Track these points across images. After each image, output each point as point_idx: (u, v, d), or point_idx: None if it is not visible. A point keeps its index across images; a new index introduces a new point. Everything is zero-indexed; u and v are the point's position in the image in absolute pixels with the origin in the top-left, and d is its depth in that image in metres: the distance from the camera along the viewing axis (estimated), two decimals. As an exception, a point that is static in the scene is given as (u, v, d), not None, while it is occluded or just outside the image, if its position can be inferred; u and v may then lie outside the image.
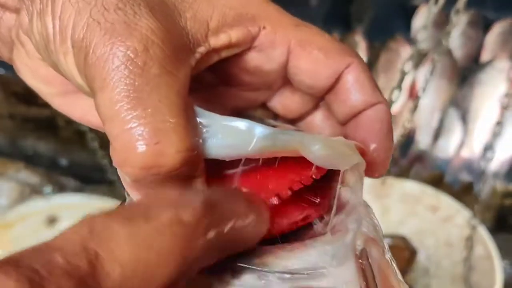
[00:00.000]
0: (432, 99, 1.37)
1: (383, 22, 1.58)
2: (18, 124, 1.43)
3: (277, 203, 0.27)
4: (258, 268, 0.25)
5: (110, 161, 0.26)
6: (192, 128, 0.25)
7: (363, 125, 0.30)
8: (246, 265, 0.25)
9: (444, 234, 1.16)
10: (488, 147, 1.03)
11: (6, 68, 1.32)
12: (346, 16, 1.59)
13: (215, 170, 0.28)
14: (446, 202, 1.18)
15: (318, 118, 0.33)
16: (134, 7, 0.25)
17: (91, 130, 0.94)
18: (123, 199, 0.29)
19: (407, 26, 1.55)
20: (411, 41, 1.46)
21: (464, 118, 1.37)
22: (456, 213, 1.16)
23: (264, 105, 0.34)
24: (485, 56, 1.49)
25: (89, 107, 0.30)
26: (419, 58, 1.35)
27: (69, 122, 1.33)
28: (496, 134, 0.98)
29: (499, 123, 0.99)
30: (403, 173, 1.28)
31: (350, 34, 1.52)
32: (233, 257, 0.25)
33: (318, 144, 0.27)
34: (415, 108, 1.04)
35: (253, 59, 0.30)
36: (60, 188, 1.35)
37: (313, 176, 0.28)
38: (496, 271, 1.03)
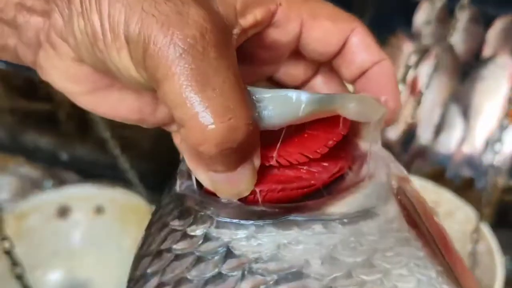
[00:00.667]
0: (433, 94, 1.37)
1: (385, 19, 1.58)
2: (18, 118, 1.42)
3: (318, 158, 0.31)
4: (322, 218, 0.29)
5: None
6: (250, 104, 0.28)
7: (372, 80, 0.34)
8: (310, 218, 0.29)
9: (445, 230, 1.16)
10: (495, 140, 1.02)
11: (7, 62, 1.31)
12: (347, 12, 1.58)
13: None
14: (447, 198, 1.18)
15: (318, 82, 0.37)
16: None
17: (102, 120, 0.94)
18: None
19: (408, 23, 1.55)
20: (413, 37, 1.46)
21: (466, 114, 1.37)
22: (457, 209, 1.16)
23: (269, 77, 0.37)
24: (486, 52, 1.49)
25: (119, 101, 0.32)
26: (421, 54, 1.35)
27: (70, 116, 1.33)
28: (503, 127, 0.98)
29: (506, 117, 0.99)
30: (404, 168, 1.28)
31: (351, 30, 1.51)
32: (295, 212, 0.29)
33: (353, 102, 0.30)
34: (418, 104, 1.04)
35: (271, 34, 0.33)
36: (61, 183, 1.35)
37: (341, 132, 0.32)
38: (497, 266, 1.03)
